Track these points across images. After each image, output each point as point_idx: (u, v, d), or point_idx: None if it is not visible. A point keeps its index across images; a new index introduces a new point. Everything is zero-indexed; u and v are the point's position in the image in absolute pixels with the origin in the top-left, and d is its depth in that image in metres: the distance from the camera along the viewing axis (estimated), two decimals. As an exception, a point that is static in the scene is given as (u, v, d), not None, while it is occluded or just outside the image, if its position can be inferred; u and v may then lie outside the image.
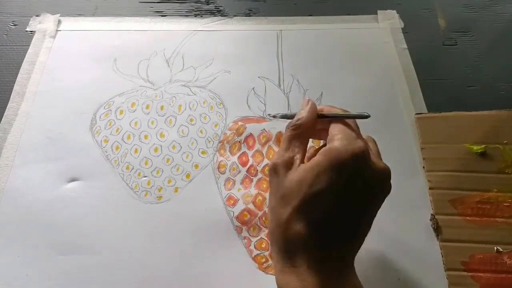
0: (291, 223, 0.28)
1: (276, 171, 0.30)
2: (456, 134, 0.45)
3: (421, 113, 0.47)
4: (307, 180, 0.27)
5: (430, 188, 0.42)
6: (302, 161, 0.30)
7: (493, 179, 0.42)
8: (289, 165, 0.29)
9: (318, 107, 0.32)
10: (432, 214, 0.40)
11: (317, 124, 0.32)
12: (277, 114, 0.35)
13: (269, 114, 0.43)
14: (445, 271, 0.37)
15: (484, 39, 0.55)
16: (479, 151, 0.43)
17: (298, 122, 0.31)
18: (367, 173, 0.28)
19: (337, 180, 0.27)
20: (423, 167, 0.43)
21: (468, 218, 0.40)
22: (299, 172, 0.28)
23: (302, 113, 0.31)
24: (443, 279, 0.37)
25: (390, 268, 0.38)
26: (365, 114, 0.30)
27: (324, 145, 0.31)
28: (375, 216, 0.30)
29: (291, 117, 0.32)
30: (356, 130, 0.30)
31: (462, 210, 0.40)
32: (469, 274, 0.37)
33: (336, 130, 0.29)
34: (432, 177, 0.42)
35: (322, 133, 0.33)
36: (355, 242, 0.29)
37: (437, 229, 0.39)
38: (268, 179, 0.31)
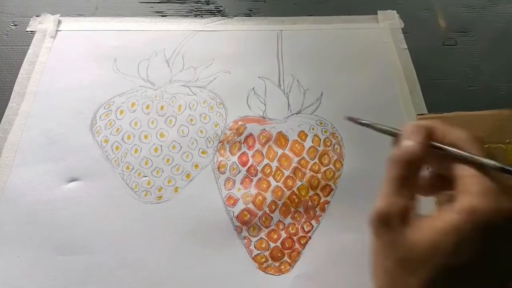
0: None
1: (388, 223, 0.23)
2: None
3: (423, 114, 0.47)
4: (445, 246, 0.22)
5: None
6: (417, 212, 0.24)
7: None
8: (404, 216, 0.23)
9: (427, 126, 0.25)
10: None
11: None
12: (380, 126, 0.27)
13: (348, 117, 0.31)
14: None
15: (484, 39, 0.55)
16: None
17: (410, 155, 0.24)
18: None
19: (487, 249, 0.21)
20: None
21: None
22: (430, 232, 0.22)
23: (410, 142, 0.24)
24: None
25: None
26: (500, 166, 0.22)
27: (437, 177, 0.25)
28: None
29: (382, 131, 0.26)
30: (495, 178, 0.22)
31: None
32: None
33: (470, 179, 0.23)
34: None
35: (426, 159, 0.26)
36: None
37: None
38: (372, 229, 0.24)
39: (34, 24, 0.54)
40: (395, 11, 0.57)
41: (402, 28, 0.55)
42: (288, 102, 0.48)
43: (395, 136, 0.26)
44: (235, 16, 0.56)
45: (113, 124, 0.46)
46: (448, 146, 0.24)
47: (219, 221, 0.40)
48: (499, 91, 0.50)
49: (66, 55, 0.51)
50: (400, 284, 0.23)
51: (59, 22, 0.54)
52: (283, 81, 0.50)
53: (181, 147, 0.44)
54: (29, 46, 0.52)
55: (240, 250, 0.39)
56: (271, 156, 0.44)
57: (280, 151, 0.44)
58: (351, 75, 0.51)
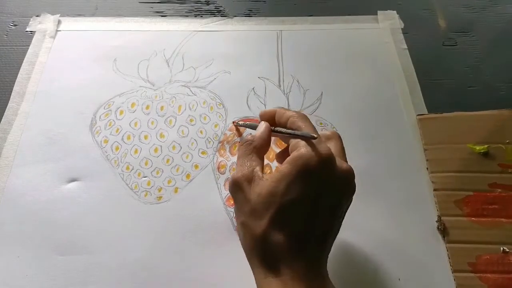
0: (269, 235, 0.28)
1: (239, 186, 0.30)
2: (458, 135, 0.44)
3: (423, 114, 0.47)
4: (279, 190, 0.28)
5: (434, 190, 0.41)
6: (262, 172, 0.30)
7: (497, 179, 0.42)
8: (250, 178, 0.30)
9: (270, 109, 0.34)
10: (438, 216, 0.40)
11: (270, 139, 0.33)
12: (242, 123, 0.37)
13: (233, 122, 0.45)
14: (452, 272, 0.37)
15: (484, 39, 0.55)
16: (482, 151, 0.43)
17: (250, 140, 0.32)
18: (335, 175, 0.29)
19: (307, 187, 0.28)
20: (427, 168, 0.43)
21: (473, 219, 0.40)
22: (267, 184, 0.29)
23: (258, 130, 0.33)
24: (451, 281, 0.37)
25: (396, 271, 0.38)
26: (312, 135, 0.30)
27: (285, 150, 0.32)
28: (343, 218, 0.31)
29: (254, 127, 0.34)
30: (318, 134, 0.30)
31: (467, 211, 0.40)
32: (477, 275, 0.37)
33: (297, 141, 0.30)
34: (436, 178, 0.42)
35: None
36: (329, 244, 0.30)
37: (444, 231, 0.39)
38: (230, 194, 0.32)
39: (34, 24, 0.54)
40: (395, 11, 0.57)
41: (402, 28, 0.55)
42: (288, 102, 0.48)
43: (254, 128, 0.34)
44: (235, 16, 0.56)
45: (113, 124, 0.46)
46: (285, 123, 0.32)
47: (219, 222, 0.40)
48: (499, 91, 0.50)
49: (66, 55, 0.51)
50: (252, 230, 0.29)
51: (59, 22, 0.54)
52: (283, 81, 0.50)
53: (181, 147, 0.44)
54: (29, 46, 0.52)
55: (240, 250, 0.38)
56: (270, 157, 0.43)
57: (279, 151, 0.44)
58: (351, 75, 0.51)
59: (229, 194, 0.41)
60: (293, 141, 0.30)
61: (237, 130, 0.45)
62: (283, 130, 0.32)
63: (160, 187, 0.42)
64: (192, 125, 0.46)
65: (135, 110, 0.47)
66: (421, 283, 0.37)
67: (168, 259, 0.38)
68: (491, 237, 0.38)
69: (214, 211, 0.40)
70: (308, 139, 0.30)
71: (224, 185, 0.42)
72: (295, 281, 0.27)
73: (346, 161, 0.31)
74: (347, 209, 0.31)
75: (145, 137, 0.45)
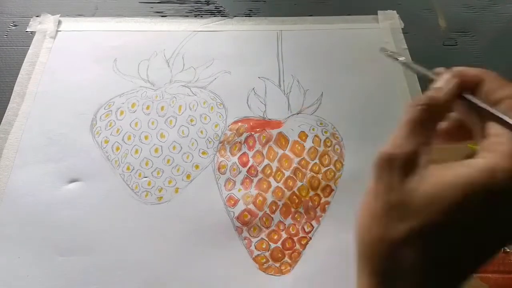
0: (404, 245, 0.20)
1: (391, 166, 0.21)
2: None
3: None
4: (448, 199, 0.20)
5: None
6: (428, 160, 0.22)
7: None
8: (411, 162, 0.21)
9: (476, 73, 0.23)
10: None
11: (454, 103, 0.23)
12: (399, 58, 0.25)
13: (382, 50, 0.32)
14: None
15: (484, 39, 0.55)
16: None
17: (432, 100, 0.22)
18: None
19: (492, 213, 0.20)
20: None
21: None
22: (435, 182, 0.21)
23: (440, 87, 0.23)
24: None
25: None
26: None
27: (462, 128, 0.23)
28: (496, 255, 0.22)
29: (415, 71, 0.24)
30: None
31: None
32: (478, 275, 0.37)
33: (498, 138, 0.21)
34: None
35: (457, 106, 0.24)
36: (472, 275, 0.22)
37: None
38: (373, 169, 0.23)
39: (34, 25, 0.54)
40: (395, 11, 0.57)
41: (402, 28, 0.55)
42: (288, 103, 0.48)
43: (431, 80, 0.24)
44: (235, 16, 0.56)
45: (113, 125, 0.46)
46: (495, 102, 0.22)
47: (220, 222, 0.40)
48: (499, 91, 0.50)
49: (66, 56, 0.51)
50: (387, 228, 0.21)
51: (59, 22, 0.54)
52: (283, 81, 0.50)
53: (181, 147, 0.44)
54: (29, 46, 0.52)
55: (240, 250, 0.39)
56: (271, 157, 0.44)
57: (280, 152, 0.44)
58: (351, 75, 0.51)
59: (229, 194, 0.41)
60: (492, 136, 0.21)
61: (238, 131, 0.45)
62: (492, 109, 0.21)
63: (161, 187, 0.42)
64: (193, 125, 0.46)
65: (135, 111, 0.47)
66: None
67: (169, 260, 0.38)
68: None
69: (215, 211, 0.40)
70: None
71: (225, 185, 0.42)
72: None
73: None
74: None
75: (146, 137, 0.45)
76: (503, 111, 0.21)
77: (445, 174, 0.21)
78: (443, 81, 0.23)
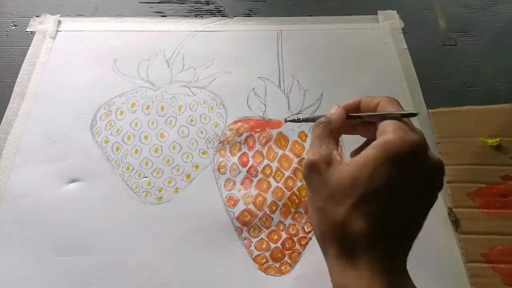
0: (349, 222, 0.26)
1: (316, 168, 0.28)
2: (471, 128, 0.45)
3: (435, 108, 0.47)
4: (363, 176, 0.26)
5: (447, 182, 0.42)
6: (341, 157, 0.28)
7: (509, 171, 0.42)
8: (328, 162, 0.28)
9: (353, 100, 0.31)
10: (449, 208, 0.41)
11: (347, 122, 0.31)
12: (298, 117, 0.34)
13: (286, 120, 0.40)
14: (465, 263, 0.38)
15: (484, 39, 0.55)
16: (494, 144, 0.44)
17: (326, 122, 0.30)
18: (426, 166, 0.27)
19: (396, 174, 0.25)
20: (438, 157, 0.43)
21: (486, 210, 0.40)
22: (349, 168, 0.26)
23: (332, 112, 0.31)
24: (464, 271, 0.38)
25: (409, 261, 0.38)
26: (411, 112, 0.28)
27: (369, 140, 0.30)
28: (426, 216, 0.28)
29: (312, 120, 0.32)
30: (408, 121, 0.28)
31: (479, 203, 0.41)
32: (490, 265, 0.38)
33: (387, 122, 0.28)
34: (449, 171, 0.43)
35: (357, 129, 0.32)
36: (411, 238, 0.28)
37: (456, 222, 0.40)
38: (304, 177, 0.29)
39: (34, 25, 0.54)
40: (395, 11, 0.57)
41: (402, 28, 0.55)
42: (288, 103, 0.48)
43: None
44: (235, 16, 0.56)
45: (113, 125, 0.46)
46: (374, 110, 0.30)
47: (220, 222, 0.40)
48: (499, 91, 0.50)
49: (66, 56, 0.51)
50: (331, 215, 0.27)
51: (59, 22, 0.54)
52: (283, 81, 0.50)
53: (181, 147, 0.44)
54: (29, 46, 0.52)
55: (240, 250, 0.39)
56: (271, 157, 0.44)
57: (280, 152, 0.44)
58: (351, 75, 0.51)
59: (229, 194, 0.41)
60: (380, 126, 0.28)
61: (237, 131, 0.45)
62: (369, 114, 0.30)
63: (161, 187, 0.42)
64: (193, 125, 0.46)
65: (135, 111, 0.47)
66: (435, 273, 0.38)
67: (169, 259, 0.38)
68: (504, 228, 0.39)
69: (215, 211, 0.41)
70: (406, 116, 0.27)
71: (225, 185, 0.42)
72: (375, 276, 0.25)
73: None
74: (431, 206, 0.28)
75: (146, 137, 0.45)
76: (379, 110, 0.29)
77: (356, 159, 0.27)
78: (334, 109, 0.31)
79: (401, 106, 0.29)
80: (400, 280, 0.27)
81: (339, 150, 0.29)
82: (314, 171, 0.28)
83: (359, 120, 0.31)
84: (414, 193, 0.27)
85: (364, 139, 0.32)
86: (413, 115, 0.28)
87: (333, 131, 0.30)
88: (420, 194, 0.27)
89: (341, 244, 0.27)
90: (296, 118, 0.37)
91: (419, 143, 0.26)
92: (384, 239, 0.26)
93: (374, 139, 0.28)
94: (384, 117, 0.28)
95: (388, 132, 0.27)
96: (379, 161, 0.26)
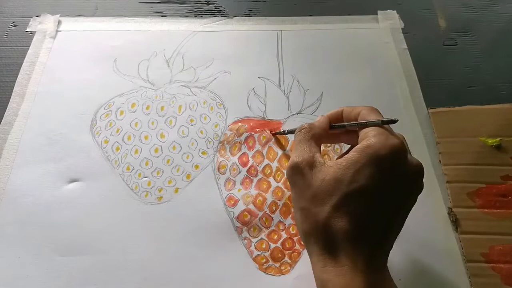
0: (331, 221, 0.27)
1: (299, 170, 0.30)
2: (471, 128, 0.45)
3: (435, 108, 0.47)
4: (345, 177, 0.27)
5: (447, 182, 0.42)
6: (322, 159, 0.30)
7: (509, 171, 0.42)
8: (311, 164, 0.29)
9: (336, 110, 0.34)
10: (449, 208, 0.41)
11: (328, 131, 0.33)
12: (284, 130, 0.37)
13: (271, 132, 0.45)
14: (465, 263, 0.38)
15: (484, 39, 0.55)
16: (494, 144, 0.44)
17: (308, 128, 0.32)
18: (405, 169, 0.28)
19: (376, 175, 0.27)
20: (439, 161, 0.43)
21: (486, 210, 0.40)
22: (332, 170, 0.28)
23: (317, 120, 0.33)
24: (464, 271, 0.38)
25: (407, 261, 0.38)
26: (392, 119, 0.30)
27: (352, 147, 0.31)
28: (406, 217, 0.30)
29: (291, 131, 0.34)
30: (388, 128, 0.30)
31: (480, 203, 0.41)
32: (490, 265, 0.38)
33: (369, 128, 0.29)
34: (449, 171, 0.43)
35: (340, 137, 0.35)
36: (390, 238, 0.29)
37: (456, 222, 0.40)
38: (288, 179, 0.31)
39: (34, 25, 0.54)
40: (395, 11, 0.57)
41: (402, 28, 0.55)
42: (288, 103, 0.48)
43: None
44: (235, 16, 0.56)
45: (113, 125, 0.46)
46: (355, 119, 0.32)
47: (220, 222, 0.40)
48: (499, 91, 0.50)
49: (66, 56, 0.51)
50: (314, 215, 0.28)
51: (59, 22, 0.54)
52: (283, 81, 0.50)
53: (181, 147, 0.44)
54: (29, 46, 0.52)
55: (240, 250, 0.39)
56: (271, 157, 0.44)
57: (280, 152, 0.44)
58: (351, 75, 0.51)
59: (229, 194, 0.41)
60: (362, 132, 0.29)
61: (238, 131, 0.45)
62: (352, 123, 0.32)
63: (161, 187, 0.42)
64: (193, 125, 0.46)
65: (135, 111, 0.47)
66: (435, 272, 0.37)
67: (169, 259, 0.38)
68: (504, 228, 0.39)
69: (215, 211, 0.41)
70: (387, 123, 0.29)
71: (225, 185, 0.42)
72: (356, 272, 0.27)
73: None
74: (411, 208, 0.30)
75: (146, 137, 0.45)
76: (360, 119, 0.31)
77: (338, 161, 0.28)
78: (319, 117, 0.34)
79: (381, 115, 0.31)
80: (379, 276, 0.28)
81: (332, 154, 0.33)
82: (297, 172, 0.30)
83: (342, 128, 0.33)
84: (394, 194, 0.28)
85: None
86: (393, 121, 0.29)
87: (314, 136, 0.32)
88: (400, 195, 0.28)
89: (323, 242, 0.28)
90: (282, 130, 0.43)
91: (399, 147, 0.28)
92: (365, 237, 0.28)
93: (356, 145, 0.29)
94: (366, 125, 0.30)
95: (369, 137, 0.28)
96: (360, 163, 0.27)
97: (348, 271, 0.27)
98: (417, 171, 0.29)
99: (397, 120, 0.29)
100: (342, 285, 0.27)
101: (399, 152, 0.28)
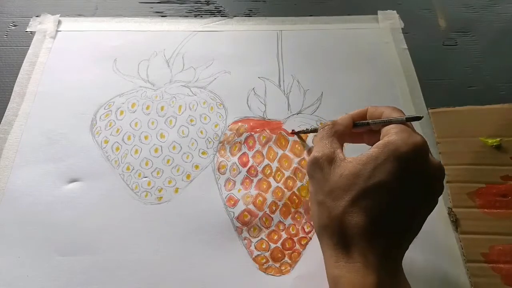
0: (347, 216, 0.27)
1: (319, 165, 0.30)
2: (471, 128, 0.45)
3: (435, 108, 0.47)
4: (364, 173, 0.27)
5: (447, 182, 0.42)
6: (343, 155, 0.29)
7: (509, 171, 0.42)
8: (331, 159, 0.29)
9: (360, 109, 0.34)
10: (449, 208, 0.41)
11: (351, 129, 0.33)
12: (304, 129, 0.37)
13: (292, 131, 0.44)
14: (465, 263, 0.38)
15: (484, 39, 0.55)
16: (494, 144, 0.44)
17: (331, 124, 0.32)
18: (426, 168, 0.28)
19: (396, 172, 0.27)
20: (439, 161, 0.43)
21: (486, 210, 0.40)
22: (352, 165, 0.28)
23: (340, 118, 0.33)
24: (464, 271, 0.38)
25: (408, 261, 0.38)
26: (417, 116, 0.30)
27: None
28: (426, 217, 0.29)
29: (314, 130, 0.34)
30: (410, 125, 0.30)
31: (479, 203, 0.41)
32: (490, 265, 0.38)
33: (391, 125, 0.29)
34: (449, 171, 0.43)
35: (363, 137, 0.34)
36: (407, 239, 0.29)
37: (456, 222, 0.40)
38: (308, 173, 0.31)
39: (34, 25, 0.54)
40: (395, 11, 0.57)
41: (402, 28, 0.55)
42: (288, 103, 0.48)
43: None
44: (235, 16, 0.56)
45: (113, 125, 0.46)
46: (379, 118, 0.32)
47: (220, 222, 0.40)
48: (499, 91, 0.50)
49: (66, 56, 0.51)
50: (330, 209, 0.28)
51: (59, 22, 0.54)
52: (283, 81, 0.50)
53: (181, 147, 0.44)
54: (29, 46, 0.52)
55: (240, 251, 0.39)
56: (271, 157, 0.44)
57: (280, 152, 0.44)
58: (351, 75, 0.51)
59: (229, 194, 0.41)
60: (384, 129, 0.29)
61: (237, 131, 0.45)
62: (376, 120, 0.32)
63: (161, 187, 0.42)
64: (192, 125, 0.46)
65: (135, 111, 0.47)
66: (435, 272, 0.38)
67: (169, 259, 0.38)
68: (504, 228, 0.39)
69: (215, 211, 0.40)
70: (411, 120, 0.29)
71: (225, 185, 0.42)
72: (369, 269, 0.26)
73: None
74: (431, 211, 0.29)
75: (146, 137, 0.45)
76: (384, 117, 0.31)
77: (358, 157, 0.28)
78: (342, 116, 0.34)
79: (404, 114, 0.31)
80: (393, 276, 0.28)
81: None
82: (317, 167, 0.30)
83: (366, 127, 0.33)
84: (413, 193, 0.27)
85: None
86: (418, 118, 0.29)
87: (336, 133, 0.32)
88: (419, 195, 0.28)
89: (338, 237, 0.28)
90: (305, 129, 0.41)
91: (421, 145, 0.27)
92: (380, 234, 0.27)
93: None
94: (390, 122, 0.30)
95: (391, 133, 0.28)
96: (380, 159, 0.27)
97: (361, 268, 0.26)
98: (438, 171, 0.28)
99: (422, 117, 0.29)
100: (354, 282, 0.26)
101: (421, 150, 0.27)
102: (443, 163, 0.43)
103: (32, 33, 0.54)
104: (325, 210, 0.29)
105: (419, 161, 0.27)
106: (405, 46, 0.53)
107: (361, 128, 0.33)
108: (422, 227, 0.39)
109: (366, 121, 0.32)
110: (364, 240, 0.27)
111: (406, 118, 0.29)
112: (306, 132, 0.42)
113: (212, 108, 0.47)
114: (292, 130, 0.44)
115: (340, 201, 0.28)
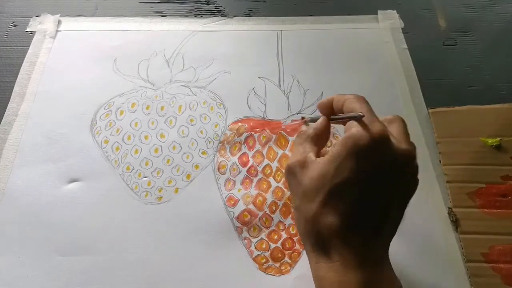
0: (320, 217, 0.27)
1: (292, 171, 0.30)
2: (471, 128, 0.45)
3: (435, 108, 0.47)
4: (329, 172, 0.27)
5: (447, 182, 0.42)
6: (315, 156, 0.29)
7: (509, 171, 0.42)
8: (303, 164, 0.29)
9: (328, 98, 0.32)
10: (449, 208, 0.41)
11: (328, 127, 0.32)
12: (307, 118, 0.35)
13: (293, 120, 0.45)
14: (465, 262, 0.38)
15: (484, 39, 0.55)
16: (494, 144, 0.44)
17: (304, 131, 0.32)
18: (390, 155, 0.27)
19: (358, 167, 0.26)
20: (439, 161, 0.43)
21: (486, 210, 0.40)
22: (318, 166, 0.28)
23: (315, 124, 0.32)
24: (464, 270, 0.38)
25: (408, 261, 0.38)
26: (358, 114, 0.28)
27: None
28: (406, 203, 0.29)
29: (315, 119, 0.33)
30: (371, 116, 0.29)
31: (479, 203, 0.41)
32: (490, 265, 0.38)
33: (350, 123, 0.28)
34: (449, 171, 0.43)
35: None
36: (386, 231, 0.28)
37: (456, 222, 0.40)
38: (287, 182, 0.32)
39: (34, 25, 0.54)
40: (395, 11, 0.57)
41: (402, 28, 0.55)
42: (288, 102, 0.48)
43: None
44: (235, 16, 0.56)
45: (113, 125, 0.46)
46: (342, 108, 0.31)
47: (220, 222, 0.40)
48: (499, 91, 0.50)
49: (66, 56, 0.51)
50: (305, 213, 0.28)
51: (59, 22, 0.54)
52: (283, 81, 0.50)
53: (181, 147, 0.44)
54: (29, 46, 0.52)
55: (240, 250, 0.39)
56: (271, 157, 0.44)
57: (280, 152, 0.44)
58: (351, 75, 0.51)
59: (229, 194, 0.41)
60: (347, 124, 0.29)
61: (238, 131, 0.45)
62: (335, 116, 0.31)
63: (161, 187, 0.42)
64: (193, 125, 0.46)
65: (135, 111, 0.47)
66: (435, 272, 0.38)
67: (169, 259, 0.38)
68: (504, 228, 0.39)
69: (215, 211, 0.41)
70: (355, 119, 0.28)
71: (225, 185, 0.42)
72: (347, 268, 0.27)
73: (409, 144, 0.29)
74: (409, 196, 0.29)
75: (146, 137, 0.45)
76: (345, 109, 0.30)
77: (324, 157, 0.28)
78: (317, 117, 0.33)
79: (367, 103, 0.30)
80: (375, 271, 0.27)
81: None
82: (290, 173, 0.30)
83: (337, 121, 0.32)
84: (381, 184, 0.27)
85: None
86: (360, 116, 0.28)
87: (309, 137, 0.31)
88: (389, 184, 0.28)
89: (315, 239, 0.28)
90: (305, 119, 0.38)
91: (380, 134, 0.27)
92: (354, 231, 0.27)
93: None
94: (343, 118, 0.30)
95: (351, 127, 0.28)
96: (342, 156, 0.27)
97: (340, 267, 0.27)
98: (406, 155, 0.28)
99: (363, 115, 0.28)
100: (335, 282, 0.27)
101: (381, 139, 0.27)
102: (443, 163, 0.43)
103: (32, 33, 0.54)
104: (302, 214, 0.29)
105: (381, 151, 0.27)
106: (405, 46, 0.53)
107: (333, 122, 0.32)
108: (422, 227, 0.39)
109: (332, 117, 0.32)
110: (340, 238, 0.27)
111: (348, 117, 0.29)
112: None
113: (212, 108, 0.47)
114: (302, 118, 0.39)
115: (312, 203, 0.28)
